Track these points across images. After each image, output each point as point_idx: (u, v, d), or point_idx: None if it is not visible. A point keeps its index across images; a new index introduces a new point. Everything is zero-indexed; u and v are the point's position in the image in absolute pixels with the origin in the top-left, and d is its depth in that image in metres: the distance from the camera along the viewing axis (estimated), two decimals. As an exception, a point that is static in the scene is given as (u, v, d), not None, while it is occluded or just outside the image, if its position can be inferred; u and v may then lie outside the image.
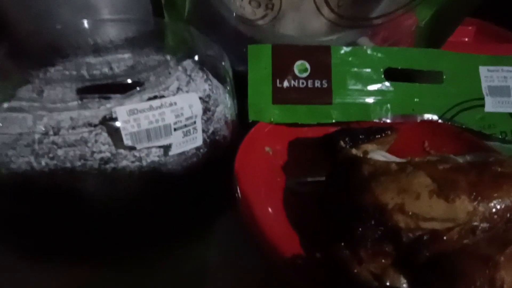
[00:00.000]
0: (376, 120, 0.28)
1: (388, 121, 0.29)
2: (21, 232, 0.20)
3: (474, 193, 0.16)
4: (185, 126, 0.19)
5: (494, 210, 0.16)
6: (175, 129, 0.18)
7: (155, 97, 0.21)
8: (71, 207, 0.19)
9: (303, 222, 0.23)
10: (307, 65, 0.28)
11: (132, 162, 0.19)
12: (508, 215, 0.15)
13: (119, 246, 0.20)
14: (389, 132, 0.24)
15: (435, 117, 0.29)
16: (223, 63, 0.26)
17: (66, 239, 0.20)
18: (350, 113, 0.28)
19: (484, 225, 0.15)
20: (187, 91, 0.23)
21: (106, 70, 0.27)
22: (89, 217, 0.19)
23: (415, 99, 0.29)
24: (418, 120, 0.29)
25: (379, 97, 0.29)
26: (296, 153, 0.28)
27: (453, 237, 0.15)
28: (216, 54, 0.27)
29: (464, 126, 0.30)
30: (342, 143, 0.23)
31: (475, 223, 0.15)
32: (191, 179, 0.21)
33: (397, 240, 0.16)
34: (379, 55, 0.29)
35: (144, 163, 0.19)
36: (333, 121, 0.28)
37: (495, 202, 0.16)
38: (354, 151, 0.23)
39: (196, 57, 0.26)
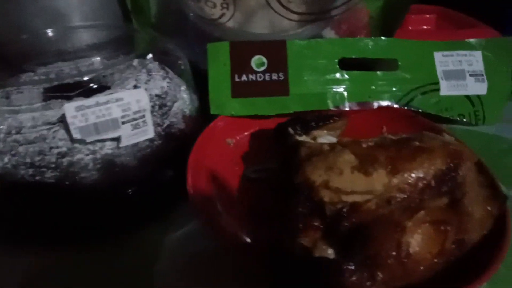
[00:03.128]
0: (334, 108, 0.30)
1: (347, 109, 0.30)
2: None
3: (390, 166, 0.17)
4: (134, 119, 0.21)
5: (408, 181, 0.17)
6: (123, 122, 0.20)
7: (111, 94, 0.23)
8: (33, 198, 0.21)
9: (256, 205, 0.24)
10: (264, 60, 0.29)
11: (87, 155, 0.20)
12: (421, 185, 0.17)
13: (81, 233, 0.22)
14: (336, 118, 0.25)
15: (391, 103, 0.30)
16: (179, 62, 0.27)
17: (31, 228, 0.22)
18: (307, 103, 0.29)
19: (399, 195, 0.17)
20: (145, 89, 0.25)
21: (74, 73, 0.29)
22: (50, 206, 0.21)
23: (372, 87, 0.30)
24: (375, 107, 0.30)
25: (335, 86, 0.30)
26: (256, 144, 0.29)
27: (371, 208, 0.17)
28: (176, 55, 0.29)
29: (420, 110, 0.31)
30: (290, 130, 0.24)
31: (391, 194, 0.17)
32: (147, 169, 0.22)
33: (323, 214, 0.18)
34: (333, 46, 0.30)
35: (98, 156, 0.21)
36: (291, 111, 0.29)
37: (409, 173, 0.17)
38: (304, 137, 0.25)
39: (157, 58, 0.28)
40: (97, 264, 0.21)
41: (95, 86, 0.23)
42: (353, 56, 0.30)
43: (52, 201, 0.20)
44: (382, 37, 0.30)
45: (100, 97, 0.20)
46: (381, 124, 0.30)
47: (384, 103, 0.30)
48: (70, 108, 0.19)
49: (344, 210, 0.17)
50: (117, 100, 0.20)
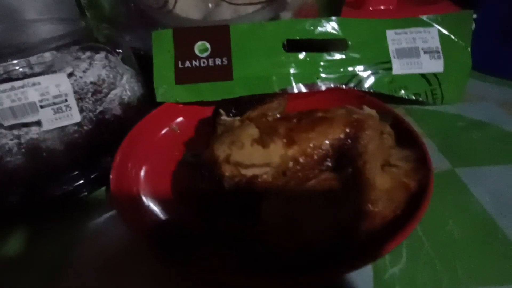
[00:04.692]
0: (280, 91, 0.29)
1: (294, 91, 0.29)
2: None
3: (287, 138, 0.16)
4: (54, 103, 0.21)
5: (304, 151, 0.16)
6: (41, 106, 0.20)
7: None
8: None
9: (186, 189, 0.24)
10: (207, 45, 0.29)
11: (11, 139, 0.21)
12: (318, 155, 0.16)
13: (5, 217, 0.22)
14: (271, 98, 0.25)
15: (340, 85, 0.30)
16: (123, 52, 0.28)
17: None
18: (252, 87, 0.29)
19: (294, 166, 0.16)
20: (81, 77, 0.25)
21: (23, 66, 0.29)
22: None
23: (319, 68, 0.30)
24: (323, 88, 0.29)
25: (281, 69, 0.29)
26: (202, 129, 0.29)
27: (268, 180, 0.16)
28: (122, 46, 0.29)
29: (372, 90, 0.30)
30: (221, 111, 0.24)
31: (287, 165, 0.16)
32: (76, 154, 0.23)
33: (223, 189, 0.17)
34: (278, 28, 0.29)
35: (23, 140, 0.21)
36: (237, 96, 0.29)
37: (305, 144, 0.16)
38: (238, 119, 0.24)
39: (103, 48, 0.28)
40: (13, 248, 0.21)
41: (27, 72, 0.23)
42: (298, 38, 0.29)
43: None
44: (330, 17, 0.29)
45: (17, 82, 0.20)
46: (331, 105, 0.29)
47: (333, 84, 0.29)
48: (-17, 93, 0.19)
49: (240, 183, 0.16)
50: (34, 84, 0.20)
